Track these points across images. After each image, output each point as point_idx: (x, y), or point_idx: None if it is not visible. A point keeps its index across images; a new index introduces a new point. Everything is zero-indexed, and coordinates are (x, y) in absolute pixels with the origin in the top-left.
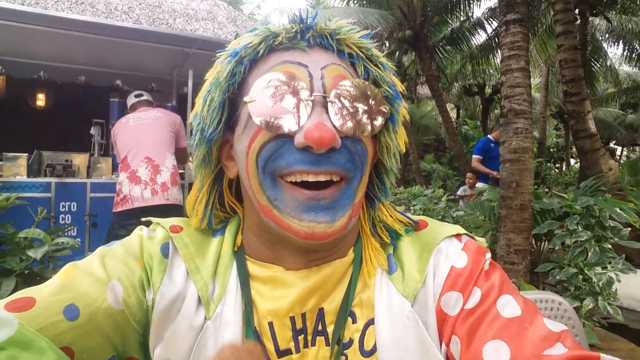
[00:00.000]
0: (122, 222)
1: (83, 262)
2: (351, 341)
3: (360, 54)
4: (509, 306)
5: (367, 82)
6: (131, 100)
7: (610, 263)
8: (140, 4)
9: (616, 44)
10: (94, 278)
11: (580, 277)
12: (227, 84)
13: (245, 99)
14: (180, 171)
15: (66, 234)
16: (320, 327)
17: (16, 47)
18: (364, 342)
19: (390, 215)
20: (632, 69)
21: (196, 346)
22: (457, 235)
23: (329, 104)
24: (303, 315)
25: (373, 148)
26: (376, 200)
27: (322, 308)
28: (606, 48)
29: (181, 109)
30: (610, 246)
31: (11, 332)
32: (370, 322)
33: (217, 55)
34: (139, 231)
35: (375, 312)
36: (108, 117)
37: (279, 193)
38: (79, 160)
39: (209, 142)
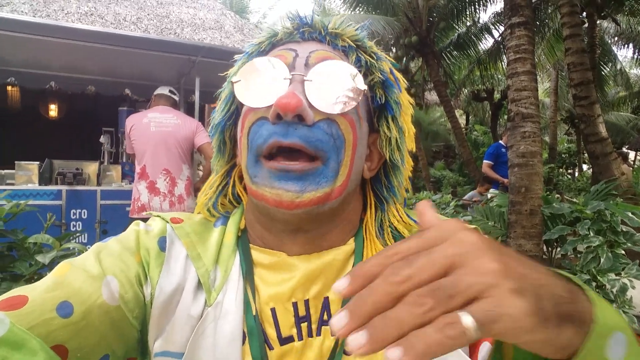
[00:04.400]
0: None
1: (78, 259)
2: None
3: (353, 44)
4: None
5: (346, 61)
6: (162, 90)
7: (624, 269)
8: (148, 14)
9: (626, 46)
10: (89, 274)
11: (594, 284)
12: None
13: (232, 79)
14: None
15: (76, 240)
16: (326, 317)
17: (28, 58)
18: None
19: (403, 221)
20: None
21: (194, 334)
22: None
23: (306, 82)
24: (306, 302)
25: (376, 144)
26: (385, 202)
27: (328, 297)
28: (616, 51)
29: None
30: (623, 252)
31: (2, 332)
32: None
33: (235, 57)
34: (135, 226)
35: None
36: (117, 126)
37: (258, 170)
38: (89, 168)
39: (220, 129)
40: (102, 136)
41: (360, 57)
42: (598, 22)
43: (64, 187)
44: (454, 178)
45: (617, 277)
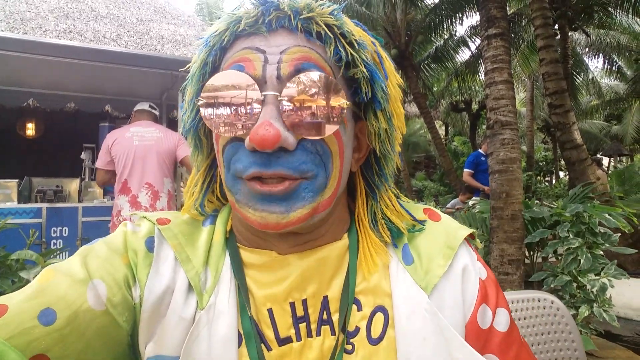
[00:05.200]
0: None
1: (63, 264)
2: (357, 329)
3: (329, 33)
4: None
5: (326, 73)
6: (142, 105)
7: (603, 269)
8: (128, 31)
9: (596, 57)
10: (74, 279)
11: (575, 284)
12: (200, 74)
13: (196, 100)
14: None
15: (60, 256)
16: (325, 316)
17: (4, 75)
18: (371, 330)
19: (396, 210)
20: (613, 81)
21: (188, 338)
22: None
23: (281, 102)
24: (304, 302)
25: (364, 131)
26: (376, 189)
27: (327, 296)
28: (587, 62)
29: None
30: (601, 252)
31: None
32: (378, 310)
33: (194, 43)
34: (123, 227)
35: (394, 303)
36: (98, 142)
37: (238, 188)
38: (70, 185)
39: (193, 130)
40: (83, 152)
41: (339, 49)
42: (570, 33)
43: (44, 205)
44: (435, 188)
45: (597, 277)
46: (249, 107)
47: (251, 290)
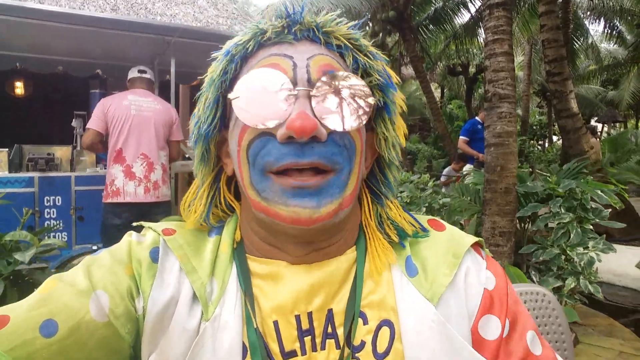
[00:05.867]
0: (115, 211)
1: (67, 274)
2: (363, 343)
3: (348, 44)
4: (535, 344)
5: (353, 75)
6: (133, 73)
7: (591, 243)
8: None
9: (597, 21)
10: (76, 289)
11: (563, 257)
12: (219, 81)
13: (230, 95)
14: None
15: (54, 234)
16: (330, 330)
17: None
18: (376, 344)
19: (399, 215)
20: (613, 46)
21: (192, 349)
22: (474, 245)
23: (313, 98)
24: (309, 315)
25: (371, 141)
26: (382, 197)
27: (332, 309)
28: (587, 25)
29: (163, 98)
30: (591, 227)
31: None
32: (384, 324)
33: (212, 56)
34: (128, 237)
35: (400, 317)
36: (89, 109)
37: (267, 185)
38: (61, 153)
39: (205, 139)
40: (74, 120)
41: (357, 59)
42: None
43: (36, 174)
44: (428, 151)
45: (585, 251)
46: (283, 101)
47: (258, 301)
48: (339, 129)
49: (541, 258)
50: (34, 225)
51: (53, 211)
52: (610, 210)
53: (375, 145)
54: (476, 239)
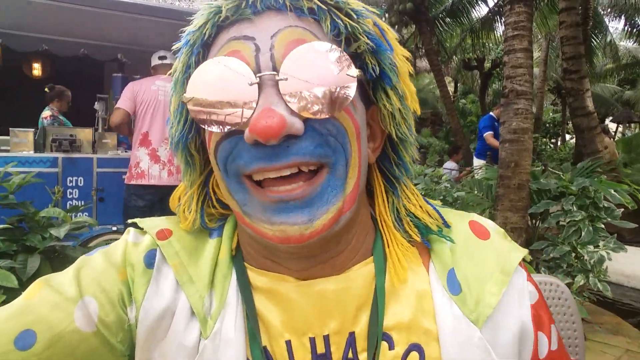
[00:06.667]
0: (139, 193)
1: (57, 277)
2: None
3: (322, 5)
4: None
5: (329, 43)
6: (155, 60)
7: (602, 242)
8: None
9: (617, 18)
10: (62, 297)
11: (573, 255)
12: (183, 79)
13: (183, 97)
14: None
15: (82, 213)
16: (351, 355)
17: (15, 21)
18: None
19: (420, 206)
20: (633, 44)
21: None
22: None
23: (280, 83)
24: (326, 339)
25: (376, 117)
26: (396, 182)
27: (354, 332)
28: (607, 22)
29: None
30: (603, 226)
31: None
32: (412, 348)
33: (172, 49)
34: (127, 235)
35: (440, 339)
36: (111, 92)
37: (246, 197)
38: (83, 135)
39: (183, 145)
40: (96, 103)
41: (336, 22)
42: None
43: (59, 155)
44: (440, 145)
45: (596, 249)
46: (244, 94)
47: (263, 317)
48: (318, 115)
49: (551, 255)
50: (57, 205)
51: (75, 191)
52: (622, 210)
53: (380, 122)
54: (525, 251)
